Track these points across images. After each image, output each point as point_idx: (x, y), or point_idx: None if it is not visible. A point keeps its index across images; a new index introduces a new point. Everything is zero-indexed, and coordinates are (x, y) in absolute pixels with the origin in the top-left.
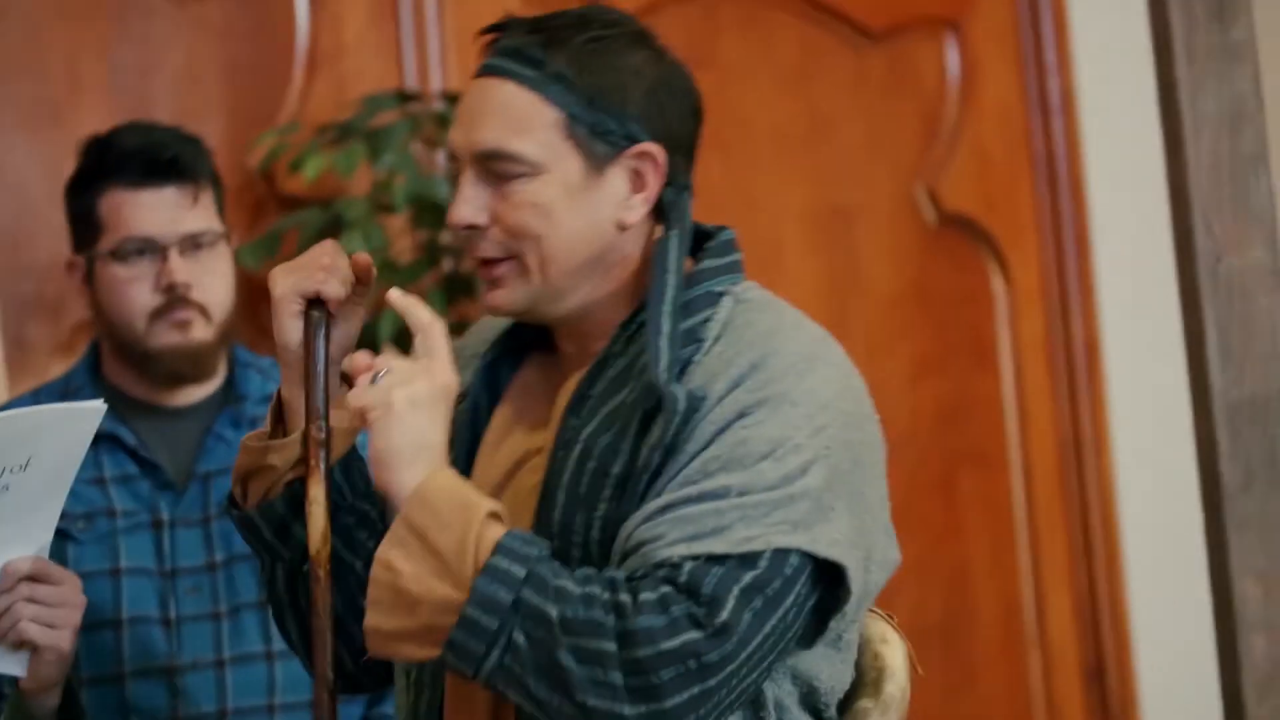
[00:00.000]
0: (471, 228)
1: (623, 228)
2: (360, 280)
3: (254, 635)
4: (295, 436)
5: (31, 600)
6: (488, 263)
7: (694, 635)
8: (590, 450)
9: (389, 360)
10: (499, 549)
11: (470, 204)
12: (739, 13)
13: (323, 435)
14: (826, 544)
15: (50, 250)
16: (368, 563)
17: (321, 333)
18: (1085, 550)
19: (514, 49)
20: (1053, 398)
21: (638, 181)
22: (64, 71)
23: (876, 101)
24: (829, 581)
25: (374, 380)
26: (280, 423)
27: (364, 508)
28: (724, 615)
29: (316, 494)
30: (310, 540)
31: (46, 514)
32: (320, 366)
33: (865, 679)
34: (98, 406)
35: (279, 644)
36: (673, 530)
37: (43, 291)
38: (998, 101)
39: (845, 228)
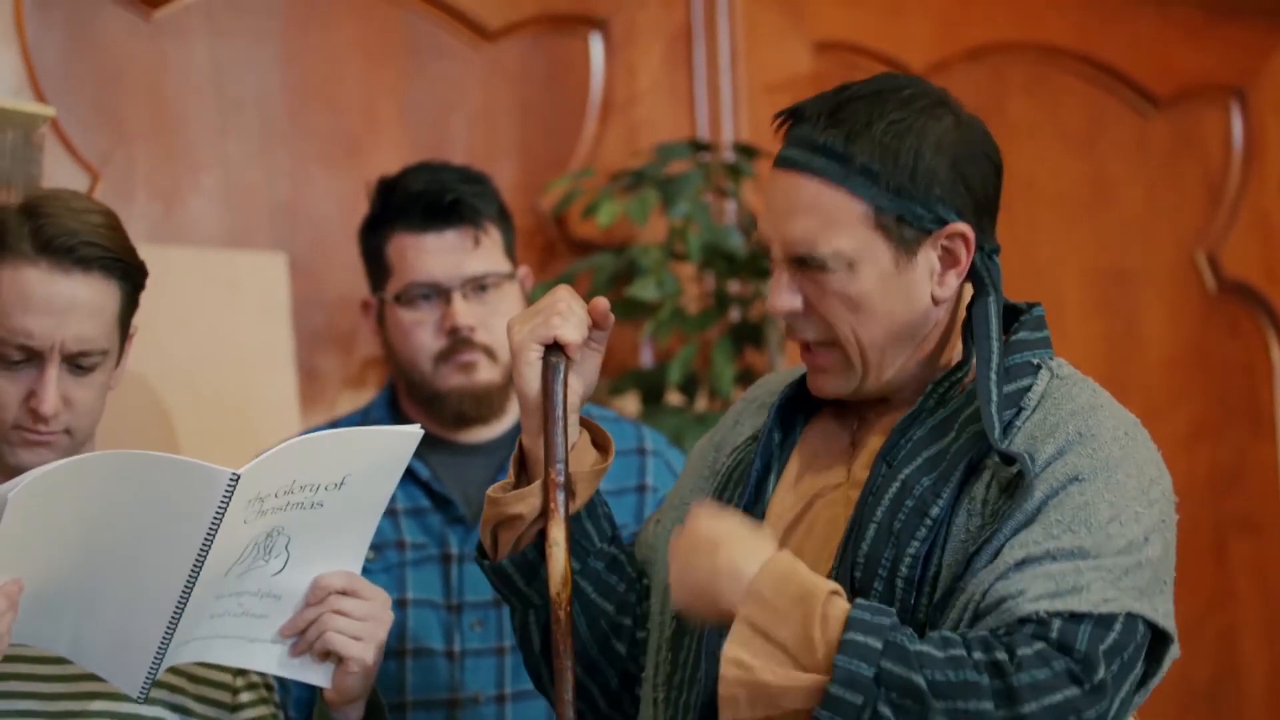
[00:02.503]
0: (791, 314)
1: (936, 302)
2: (597, 324)
3: None
4: (538, 484)
5: (339, 613)
6: (809, 347)
7: (1075, 691)
8: (909, 489)
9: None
10: (851, 624)
11: (787, 294)
12: (1026, 74)
13: (561, 479)
14: (1164, 615)
15: (343, 284)
16: (619, 606)
17: (559, 377)
18: None
19: (816, 143)
20: None
21: (949, 259)
22: (361, 107)
23: (1160, 167)
24: (1152, 652)
25: None
26: (524, 471)
27: (612, 551)
28: (1100, 674)
29: (556, 536)
30: (550, 583)
31: (360, 534)
32: (559, 411)
33: None
34: (415, 431)
35: (523, 683)
36: (1034, 586)
37: (335, 324)
38: None
39: (1126, 291)
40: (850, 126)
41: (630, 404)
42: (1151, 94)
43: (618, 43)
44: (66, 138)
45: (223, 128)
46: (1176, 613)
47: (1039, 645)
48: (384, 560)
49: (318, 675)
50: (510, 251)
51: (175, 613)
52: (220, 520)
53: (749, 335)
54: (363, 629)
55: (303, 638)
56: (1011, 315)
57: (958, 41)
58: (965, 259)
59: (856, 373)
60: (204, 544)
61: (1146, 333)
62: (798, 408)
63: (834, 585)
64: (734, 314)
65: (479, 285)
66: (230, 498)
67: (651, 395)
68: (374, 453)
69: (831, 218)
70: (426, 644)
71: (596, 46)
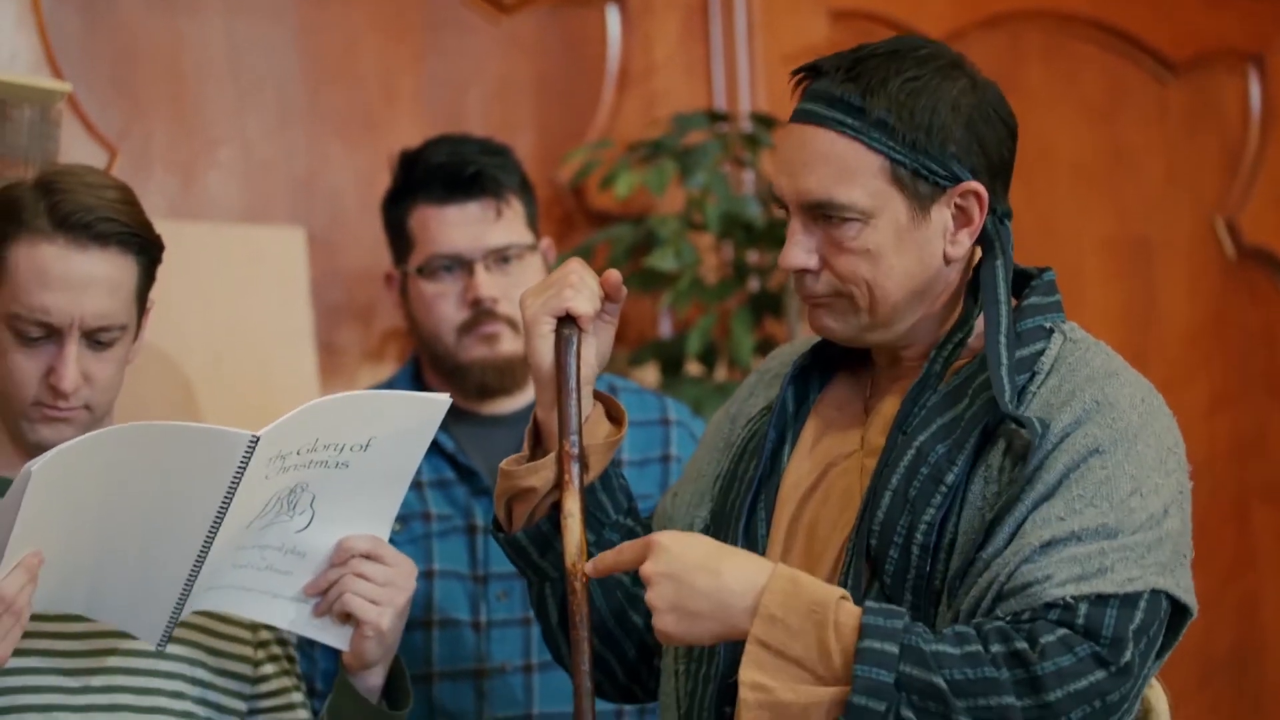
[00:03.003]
0: (803, 271)
1: (948, 261)
2: (609, 297)
3: None
4: (551, 457)
5: (360, 576)
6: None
7: (1100, 675)
8: (924, 456)
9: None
10: (865, 630)
11: (800, 248)
12: (1043, 42)
13: (575, 451)
14: (1185, 589)
15: (362, 258)
16: (635, 578)
17: (573, 350)
18: None
19: (833, 96)
20: None
21: (962, 217)
22: (379, 83)
23: (1178, 133)
24: (1172, 624)
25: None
26: (539, 445)
27: (629, 524)
28: (1128, 654)
29: (571, 508)
30: (566, 553)
31: (388, 500)
32: (572, 383)
33: None
34: (443, 399)
35: (546, 653)
36: (1060, 570)
37: (354, 298)
38: None
39: (1145, 259)
40: (867, 81)
41: (650, 374)
42: (1169, 61)
43: (634, 14)
44: (84, 114)
45: (240, 103)
46: (1197, 581)
47: (1062, 631)
48: (409, 532)
49: (336, 637)
50: (532, 223)
51: (195, 566)
52: (239, 480)
53: (768, 305)
54: (382, 594)
55: (324, 598)
56: (1023, 280)
57: (974, 9)
58: (979, 218)
59: (861, 320)
60: (224, 503)
61: (1166, 301)
62: (812, 376)
63: (841, 591)
64: (753, 284)
65: (501, 257)
66: (249, 459)
67: (671, 366)
68: (401, 417)
69: (848, 168)
70: (453, 615)
71: (613, 18)
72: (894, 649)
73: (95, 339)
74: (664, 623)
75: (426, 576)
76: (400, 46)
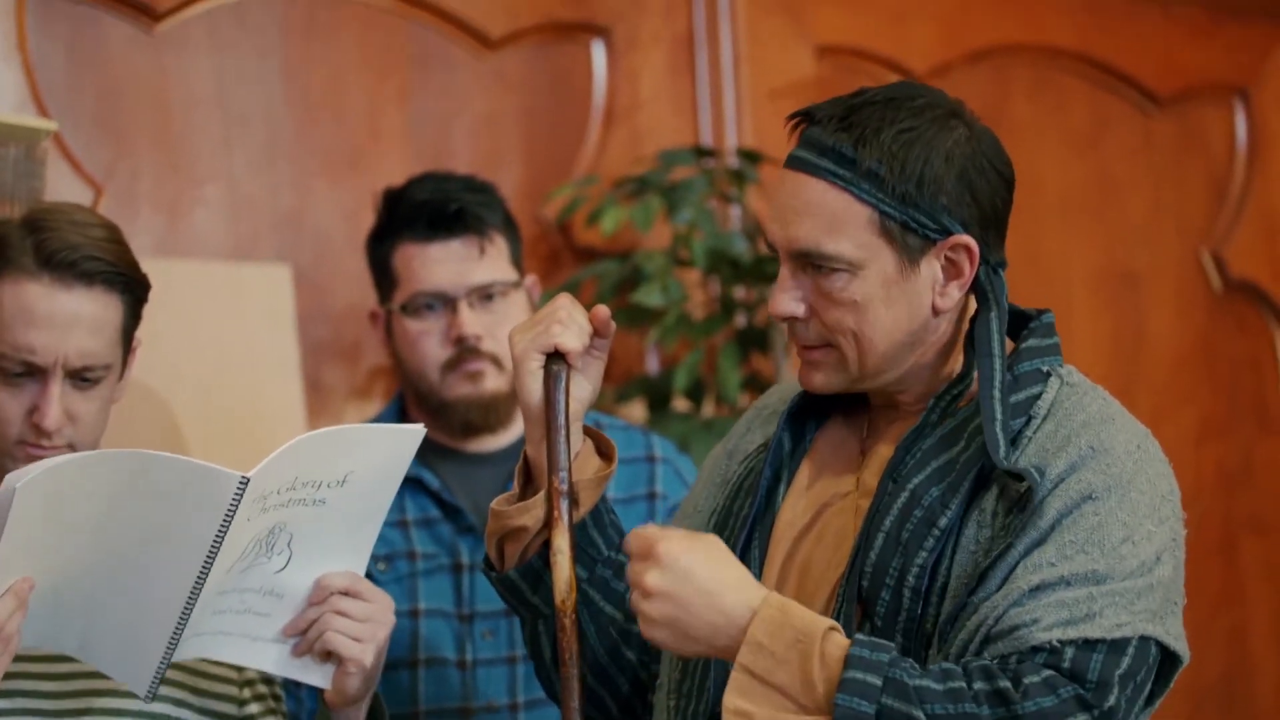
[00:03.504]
0: (791, 319)
1: (937, 312)
2: (598, 332)
3: None
4: (541, 495)
5: (340, 613)
6: (807, 346)
7: (1082, 718)
8: (917, 499)
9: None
10: (850, 661)
11: (789, 296)
12: (1029, 75)
13: (565, 487)
14: (1175, 637)
15: (348, 296)
16: (629, 614)
17: (561, 386)
18: None
19: (825, 145)
20: None
21: (952, 270)
22: (365, 120)
23: (1164, 166)
24: (1162, 671)
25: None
26: (529, 482)
27: (621, 559)
28: (1111, 700)
29: (560, 544)
30: (556, 590)
31: (364, 535)
32: (561, 419)
33: None
34: (417, 429)
35: (537, 691)
36: (1048, 615)
37: (340, 335)
38: None
39: (1131, 291)
40: (861, 131)
41: (636, 411)
42: (1155, 94)
43: (620, 50)
44: (70, 152)
45: (226, 140)
46: (1187, 611)
47: (1047, 673)
48: (395, 570)
49: (318, 676)
50: (517, 260)
51: (184, 613)
52: (229, 523)
53: (755, 341)
54: (363, 630)
55: (304, 637)
56: (1021, 322)
57: (960, 44)
58: (969, 271)
59: (851, 374)
60: (213, 547)
61: (1153, 332)
62: (809, 415)
63: (830, 622)
64: (740, 319)
65: (485, 294)
66: (239, 500)
67: (658, 402)
68: (376, 451)
69: (837, 218)
70: (439, 654)
71: (599, 54)
72: (877, 681)
73: (80, 377)
74: (655, 635)
75: (412, 615)
76: (386, 83)
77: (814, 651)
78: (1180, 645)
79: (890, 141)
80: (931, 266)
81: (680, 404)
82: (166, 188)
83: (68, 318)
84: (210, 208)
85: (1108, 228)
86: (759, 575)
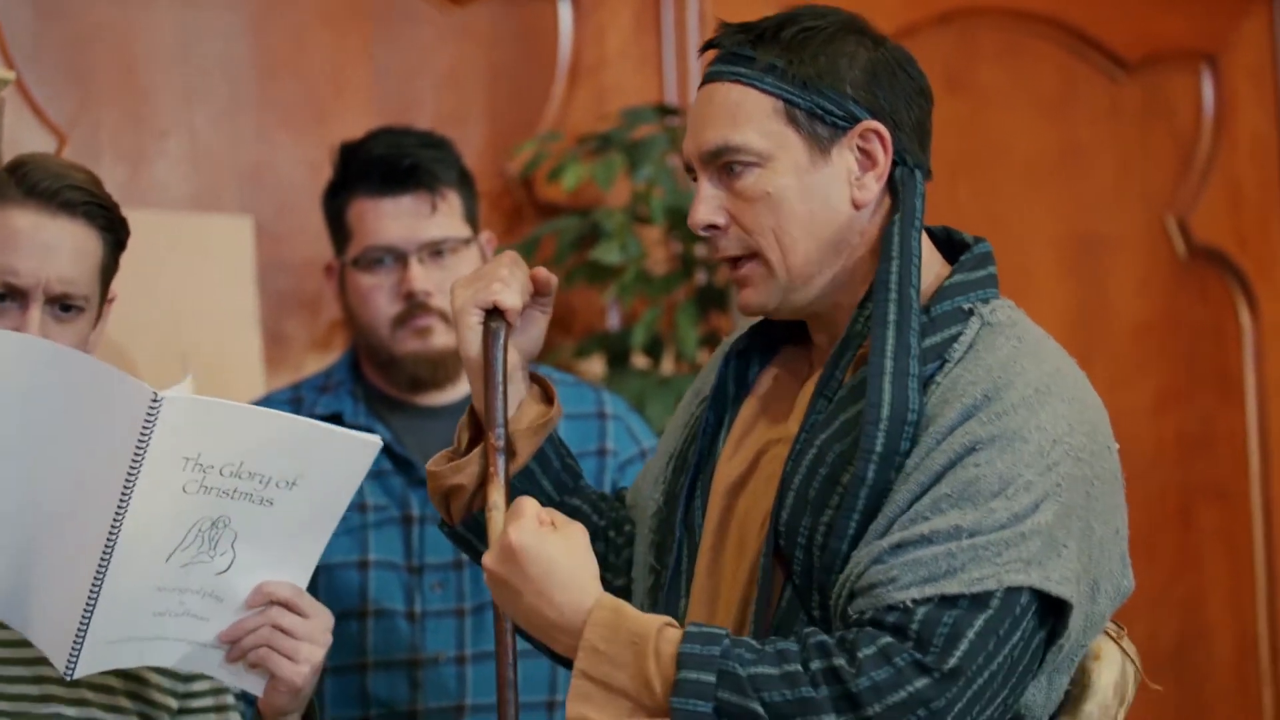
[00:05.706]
0: (711, 227)
1: (857, 207)
2: (539, 291)
3: None
4: (476, 453)
5: (277, 628)
6: (734, 263)
7: (922, 683)
8: (824, 456)
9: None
10: (682, 661)
11: (707, 204)
12: (997, 39)
13: (501, 443)
14: (1057, 580)
15: (309, 248)
16: None
17: (499, 343)
18: None
19: (727, 53)
20: None
21: (867, 160)
22: (328, 74)
23: (1130, 132)
24: (1056, 616)
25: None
26: (480, 431)
27: (574, 503)
28: (954, 660)
29: (496, 500)
30: (490, 545)
31: (310, 547)
32: (499, 376)
33: (1068, 696)
34: (374, 442)
35: (522, 643)
36: (906, 573)
37: (301, 288)
38: (1252, 135)
39: (1095, 257)
40: (759, 32)
41: (596, 366)
42: (1122, 59)
43: (587, 7)
44: (34, 101)
45: (189, 93)
46: (1141, 577)
47: (884, 641)
48: (345, 522)
49: (250, 683)
50: (471, 217)
51: (104, 557)
52: (145, 448)
53: (714, 299)
54: (297, 648)
55: (237, 646)
56: (961, 251)
57: (927, 5)
58: (884, 160)
59: (780, 282)
60: (130, 472)
61: (1116, 299)
62: (753, 357)
63: (664, 619)
64: (700, 277)
65: (435, 250)
66: (153, 422)
67: (617, 358)
68: (331, 458)
69: (741, 110)
70: (387, 605)
71: (565, 10)
72: (710, 677)
73: (60, 305)
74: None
75: (362, 566)
76: (350, 37)
77: (649, 651)
78: (1064, 589)
79: (790, 38)
80: (844, 156)
81: (639, 360)
82: (129, 138)
83: (50, 242)
84: (173, 159)
85: (1073, 193)
86: (701, 526)
